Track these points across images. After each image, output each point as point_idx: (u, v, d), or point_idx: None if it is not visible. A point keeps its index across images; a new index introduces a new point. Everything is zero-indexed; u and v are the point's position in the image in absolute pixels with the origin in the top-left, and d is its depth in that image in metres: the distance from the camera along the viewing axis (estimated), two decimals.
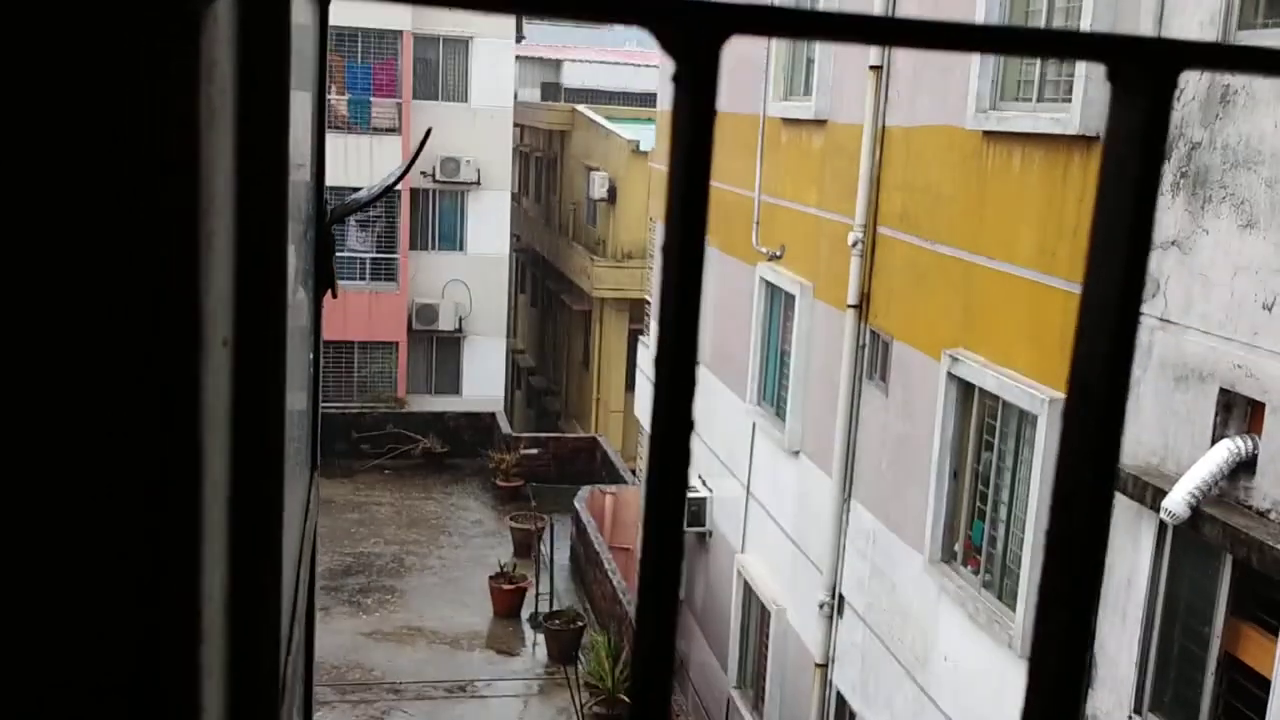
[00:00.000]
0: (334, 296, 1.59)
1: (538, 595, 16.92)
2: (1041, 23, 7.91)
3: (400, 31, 24.41)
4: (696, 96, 0.45)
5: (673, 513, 0.47)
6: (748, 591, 12.87)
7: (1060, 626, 0.51)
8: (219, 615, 0.61)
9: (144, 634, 0.44)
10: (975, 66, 8.44)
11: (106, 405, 0.42)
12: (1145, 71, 0.48)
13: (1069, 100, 7.46)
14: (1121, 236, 0.49)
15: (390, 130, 24.48)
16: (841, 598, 10.62)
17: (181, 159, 0.41)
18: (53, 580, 0.43)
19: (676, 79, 0.45)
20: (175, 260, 0.42)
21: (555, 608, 16.65)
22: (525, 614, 17.05)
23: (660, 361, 0.50)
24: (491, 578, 17.26)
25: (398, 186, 24.04)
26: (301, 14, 1.19)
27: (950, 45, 0.47)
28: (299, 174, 1.40)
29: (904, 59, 9.71)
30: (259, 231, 0.64)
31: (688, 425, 0.49)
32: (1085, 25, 7.16)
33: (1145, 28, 6.64)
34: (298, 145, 1.40)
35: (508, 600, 17.02)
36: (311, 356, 1.51)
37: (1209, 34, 6.25)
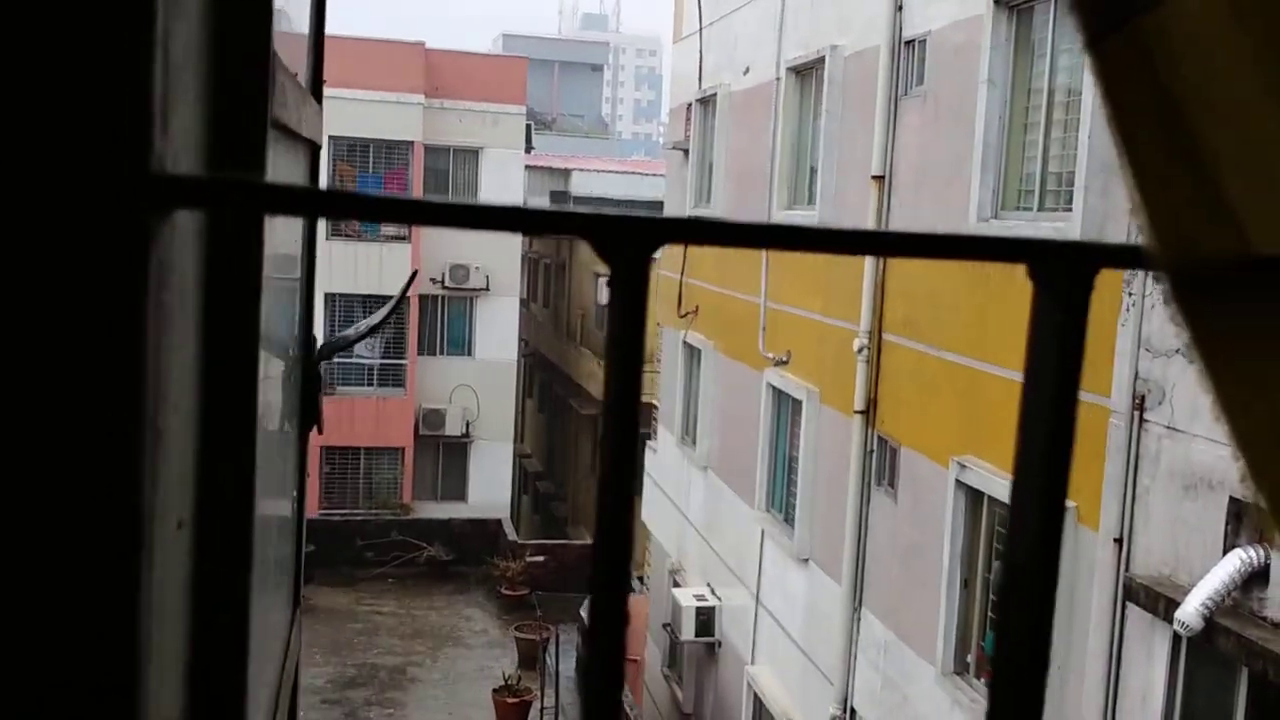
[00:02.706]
0: (320, 433, 1.61)
1: (543, 709, 16.58)
2: (1039, 139, 8.06)
3: (411, 142, 24.94)
4: (628, 298, 0.47)
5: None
6: (758, 704, 12.60)
7: None
8: None
9: None
10: (977, 176, 8.59)
11: (40, 599, 0.43)
12: (1062, 273, 0.50)
13: (1070, 210, 7.57)
14: (1044, 432, 0.50)
15: (399, 239, 24.85)
16: (853, 711, 10.39)
17: (122, 367, 0.43)
18: None
19: (610, 283, 0.48)
20: (116, 455, 0.44)
21: None
22: None
23: (598, 532, 0.51)
24: (495, 690, 16.94)
25: (406, 295, 24.28)
26: (290, 169, 1.23)
27: (878, 251, 0.49)
28: (287, 309, 1.43)
29: (906, 168, 9.89)
30: (225, 409, 0.66)
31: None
32: (1084, 139, 7.30)
33: None
34: (286, 275, 1.44)
35: (512, 714, 16.68)
36: (296, 494, 1.52)
37: None
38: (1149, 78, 0.48)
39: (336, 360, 24.68)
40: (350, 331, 3.02)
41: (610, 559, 0.48)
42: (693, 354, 15.41)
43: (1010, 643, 0.53)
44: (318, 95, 1.58)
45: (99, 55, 0.41)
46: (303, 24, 1.65)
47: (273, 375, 1.17)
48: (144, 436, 0.43)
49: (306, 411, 1.51)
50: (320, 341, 1.83)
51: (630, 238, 0.46)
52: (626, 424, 0.47)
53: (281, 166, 1.10)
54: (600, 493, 0.47)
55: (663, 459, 17.07)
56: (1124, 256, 0.52)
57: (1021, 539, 0.51)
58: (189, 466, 0.60)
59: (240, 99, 0.68)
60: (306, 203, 0.44)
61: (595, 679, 0.49)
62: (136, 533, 0.43)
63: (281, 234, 1.21)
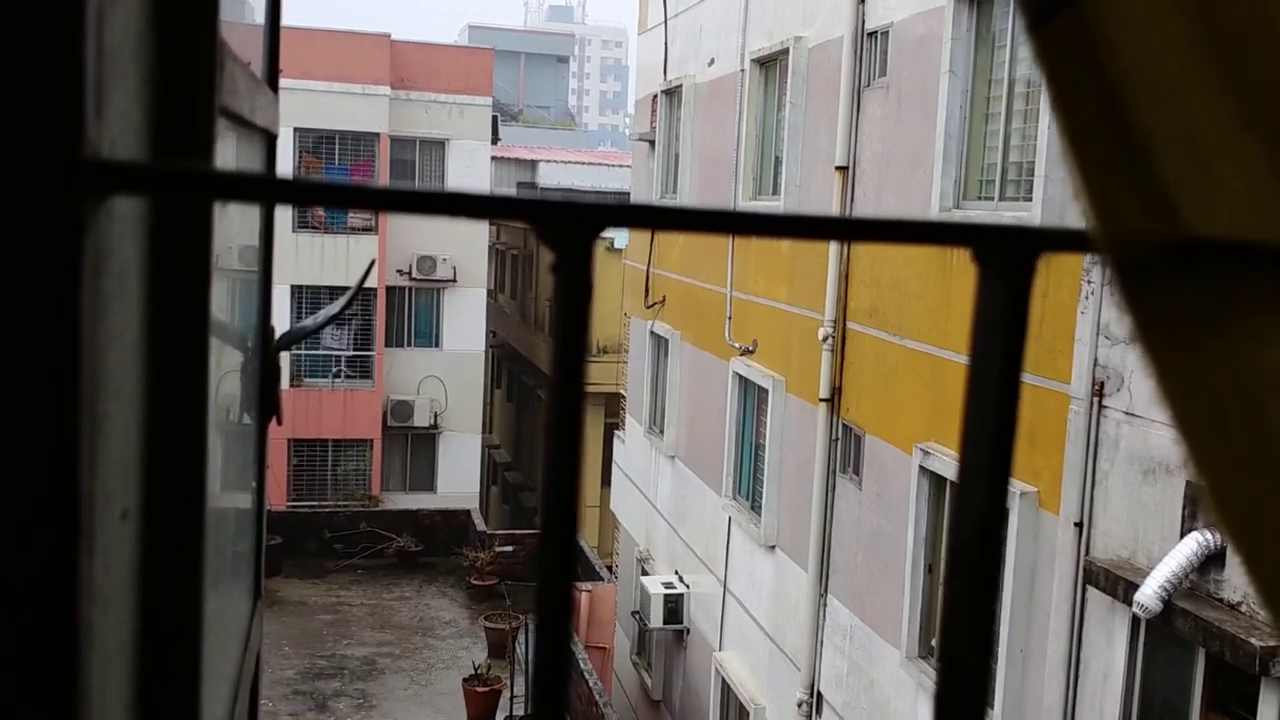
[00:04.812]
0: (279, 423, 1.60)
1: (512, 697, 16.58)
2: (1000, 129, 8.12)
3: (378, 134, 24.77)
4: (573, 282, 0.47)
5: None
6: (726, 690, 12.67)
7: None
8: None
9: None
10: (939, 166, 8.64)
11: None
12: (1006, 256, 0.51)
13: (1030, 200, 7.64)
14: (990, 411, 0.51)
15: (366, 230, 24.69)
16: (820, 695, 10.47)
17: (55, 352, 0.43)
18: None
19: (554, 269, 0.48)
20: (52, 441, 0.43)
21: (531, 710, 16.29)
22: (500, 717, 16.68)
23: (543, 522, 0.51)
24: (465, 680, 16.92)
25: (372, 285, 24.15)
26: (244, 159, 1.22)
27: (817, 235, 0.49)
28: (244, 297, 1.42)
29: (869, 159, 9.93)
30: (173, 398, 0.66)
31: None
32: (1043, 129, 7.36)
33: None
34: (243, 263, 1.43)
35: (482, 703, 16.67)
36: (255, 485, 1.51)
37: None
38: (1089, 61, 0.48)
39: (304, 352, 24.52)
40: (309, 321, 3.00)
41: (558, 549, 0.48)
42: (660, 344, 15.43)
43: (955, 621, 0.53)
44: (274, 84, 1.56)
45: (25, 38, 0.40)
46: (258, 14, 1.64)
47: (230, 365, 1.17)
48: (80, 423, 0.43)
49: (265, 402, 1.50)
50: (280, 331, 1.83)
51: (572, 222, 0.47)
52: (571, 408, 0.47)
53: (233, 156, 1.09)
54: (546, 472, 0.47)
55: (631, 449, 17.09)
56: (1066, 240, 0.53)
57: (967, 514, 0.51)
58: (133, 455, 0.60)
59: (185, 86, 0.67)
60: (247, 188, 0.44)
61: (545, 659, 0.49)
62: (74, 520, 0.43)
63: (238, 223, 1.20)
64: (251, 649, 1.40)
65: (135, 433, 0.60)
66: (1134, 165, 0.48)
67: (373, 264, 3.78)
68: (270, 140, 1.48)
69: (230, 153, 1.04)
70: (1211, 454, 0.50)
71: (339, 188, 0.44)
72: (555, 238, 0.46)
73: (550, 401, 0.48)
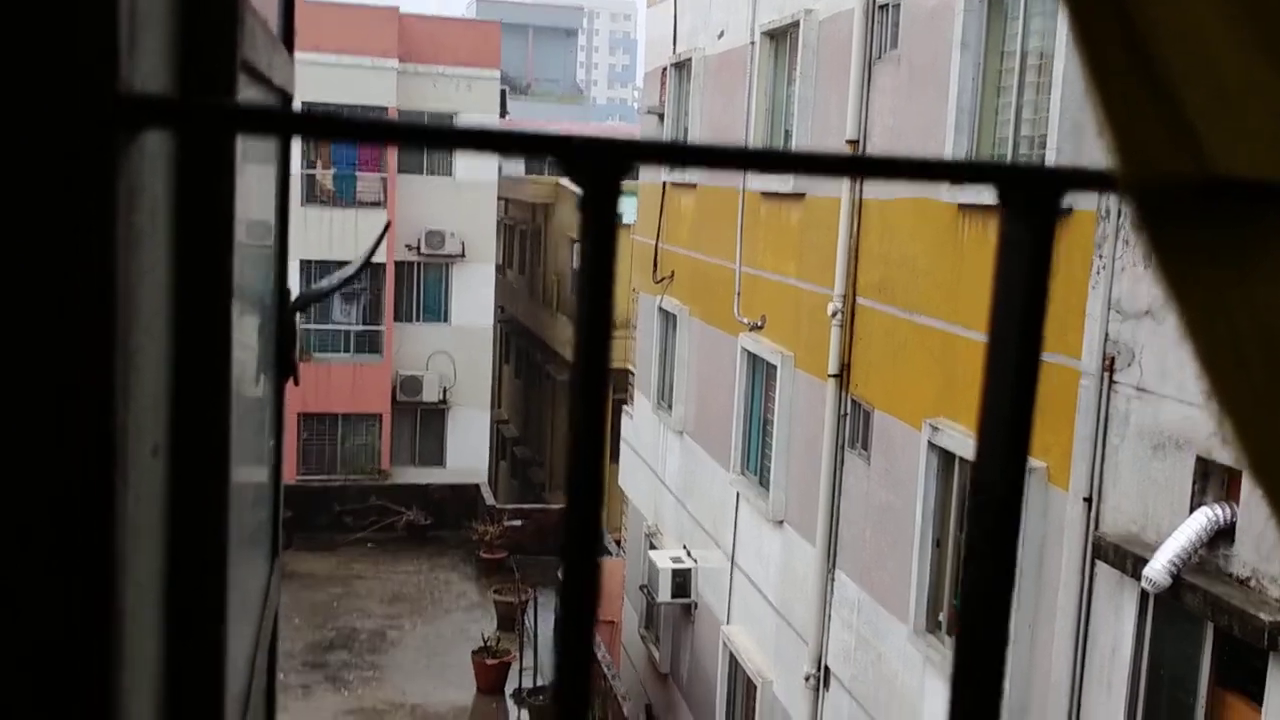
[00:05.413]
0: (295, 384, 1.61)
1: (521, 670, 16.70)
2: (1012, 101, 8.07)
3: (385, 108, 24.71)
4: (599, 220, 0.48)
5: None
6: (733, 664, 12.73)
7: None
8: None
9: None
10: (950, 138, 8.59)
11: (13, 513, 0.43)
12: (1030, 195, 0.51)
13: None
14: (1011, 355, 0.51)
15: (375, 204, 24.68)
16: (827, 669, 10.52)
17: (93, 286, 0.43)
18: None
19: (583, 205, 0.48)
20: (86, 376, 0.44)
21: (540, 682, 16.43)
22: (509, 689, 16.80)
23: (569, 476, 0.51)
24: (475, 652, 17.04)
25: (381, 259, 24.16)
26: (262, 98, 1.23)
27: (845, 173, 0.49)
28: (260, 262, 1.43)
29: (880, 132, 9.89)
30: (198, 335, 0.66)
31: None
32: (1055, 101, 7.31)
33: None
34: (259, 231, 1.43)
35: (491, 675, 16.79)
36: (273, 443, 1.53)
37: None
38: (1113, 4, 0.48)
39: (313, 327, 24.55)
40: (324, 283, 3.02)
41: (581, 509, 0.48)
42: (668, 319, 15.42)
43: (974, 588, 0.53)
44: (289, 46, 1.57)
45: None
46: None
47: (247, 324, 1.17)
48: (115, 356, 0.43)
49: (282, 362, 1.51)
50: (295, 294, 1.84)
51: (600, 158, 0.47)
52: (598, 348, 0.48)
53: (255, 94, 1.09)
54: (571, 431, 0.48)
55: (639, 424, 17.12)
56: (1091, 180, 0.53)
57: (988, 460, 0.52)
58: (162, 391, 0.61)
59: (208, 35, 0.67)
60: (274, 122, 0.44)
61: (568, 630, 0.49)
62: (109, 451, 0.43)
63: (254, 182, 1.20)
64: (270, 607, 1.41)
65: (164, 369, 0.61)
66: (1158, 102, 0.48)
67: (389, 225, 3.80)
68: (286, 101, 1.48)
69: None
70: (1233, 390, 0.50)
71: (374, 124, 0.45)
72: (584, 174, 0.47)
73: (578, 338, 0.48)
